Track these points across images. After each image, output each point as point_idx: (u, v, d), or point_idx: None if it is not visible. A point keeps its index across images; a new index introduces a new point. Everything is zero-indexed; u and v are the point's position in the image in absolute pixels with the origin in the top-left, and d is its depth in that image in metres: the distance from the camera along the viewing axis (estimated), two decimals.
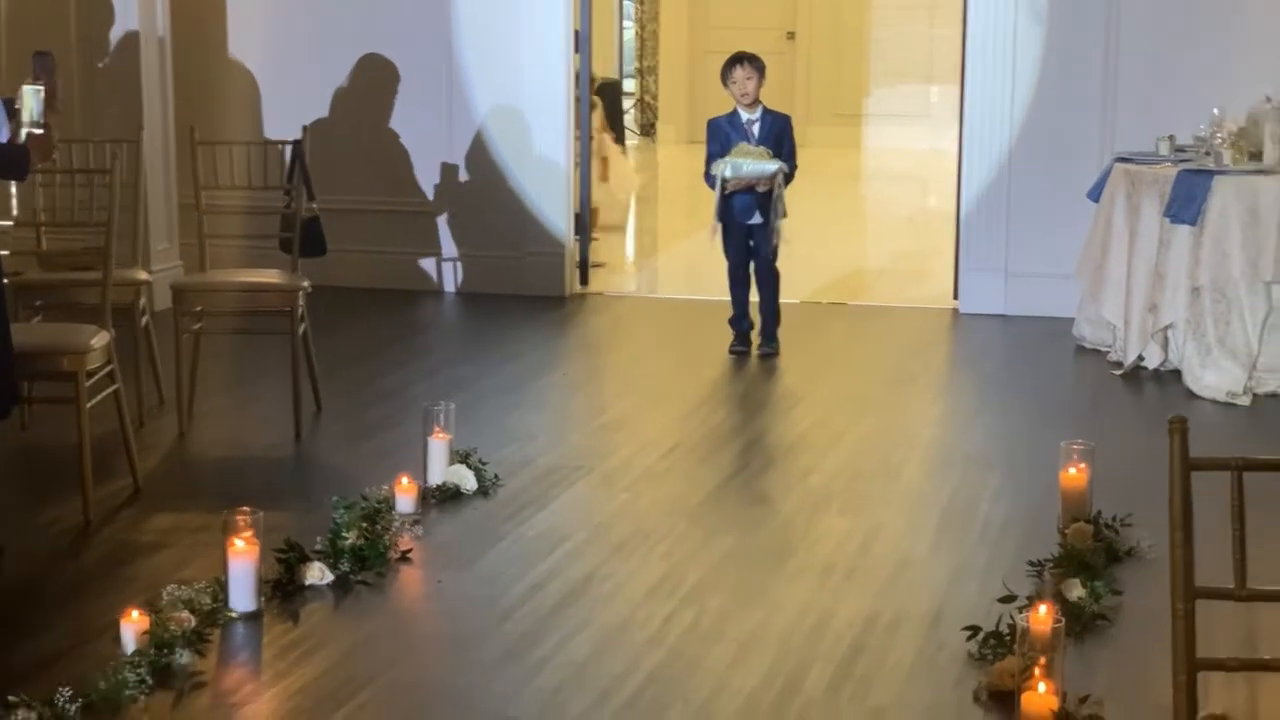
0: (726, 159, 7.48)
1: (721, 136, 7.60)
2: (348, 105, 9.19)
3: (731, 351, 7.73)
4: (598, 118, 10.86)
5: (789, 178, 7.57)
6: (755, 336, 7.78)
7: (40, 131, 5.31)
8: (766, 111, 7.64)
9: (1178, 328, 7.18)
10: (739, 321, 7.80)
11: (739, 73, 7.60)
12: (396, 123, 9.16)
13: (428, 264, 9.24)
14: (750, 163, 7.46)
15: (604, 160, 11.13)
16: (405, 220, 9.20)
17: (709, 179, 7.55)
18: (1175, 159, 7.48)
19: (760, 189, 7.50)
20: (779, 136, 7.60)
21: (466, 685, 4.13)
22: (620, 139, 12.54)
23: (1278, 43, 8.12)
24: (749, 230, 7.66)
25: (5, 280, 5.16)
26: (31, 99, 5.49)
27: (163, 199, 8.58)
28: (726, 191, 7.51)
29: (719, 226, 7.65)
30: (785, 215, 7.58)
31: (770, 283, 7.75)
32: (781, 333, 7.76)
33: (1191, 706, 2.48)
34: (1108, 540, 4.96)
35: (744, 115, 7.61)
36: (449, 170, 9.16)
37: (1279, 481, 2.64)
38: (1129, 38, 8.27)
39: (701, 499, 5.66)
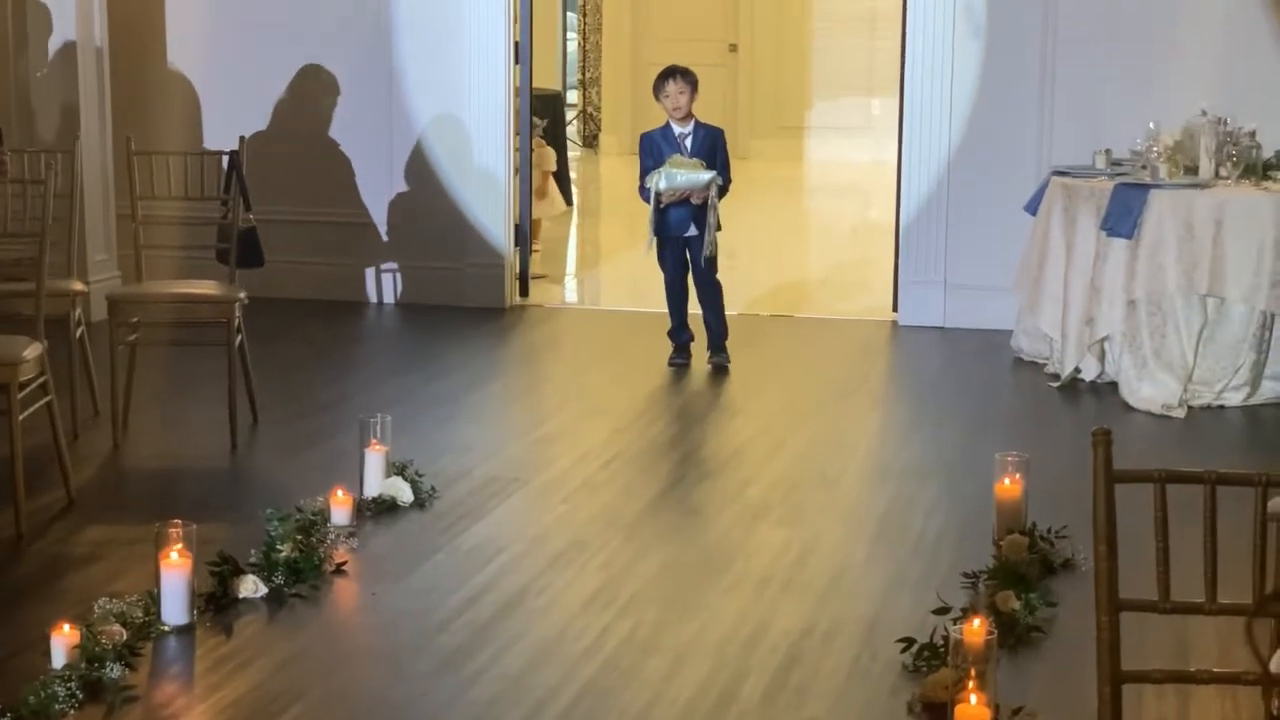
0: (660, 170, 7.51)
1: (655, 150, 7.63)
2: (287, 116, 9.15)
3: (671, 364, 7.74)
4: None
5: (723, 190, 7.61)
6: (698, 350, 7.77)
7: None
8: (699, 125, 7.67)
9: (1114, 340, 7.23)
10: (678, 333, 7.82)
11: (671, 87, 7.64)
12: (336, 133, 9.13)
13: (366, 275, 9.21)
14: (684, 173, 7.50)
15: (545, 174, 11.11)
16: (344, 231, 9.16)
17: (643, 192, 7.59)
18: (1112, 172, 7.53)
19: (695, 201, 7.54)
20: (712, 149, 7.63)
21: (401, 698, 4.11)
22: (560, 153, 12.50)
23: (1213, 57, 8.20)
24: (684, 243, 7.69)
25: None
26: None
27: (100, 209, 8.52)
28: (661, 204, 7.54)
29: (655, 240, 7.68)
30: (719, 228, 7.60)
31: (713, 295, 7.76)
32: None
33: (1116, 719, 2.49)
34: (1042, 552, 4.98)
35: (677, 129, 7.64)
36: (389, 181, 9.12)
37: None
38: (1066, 51, 8.33)
39: (639, 510, 5.65)
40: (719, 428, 6.95)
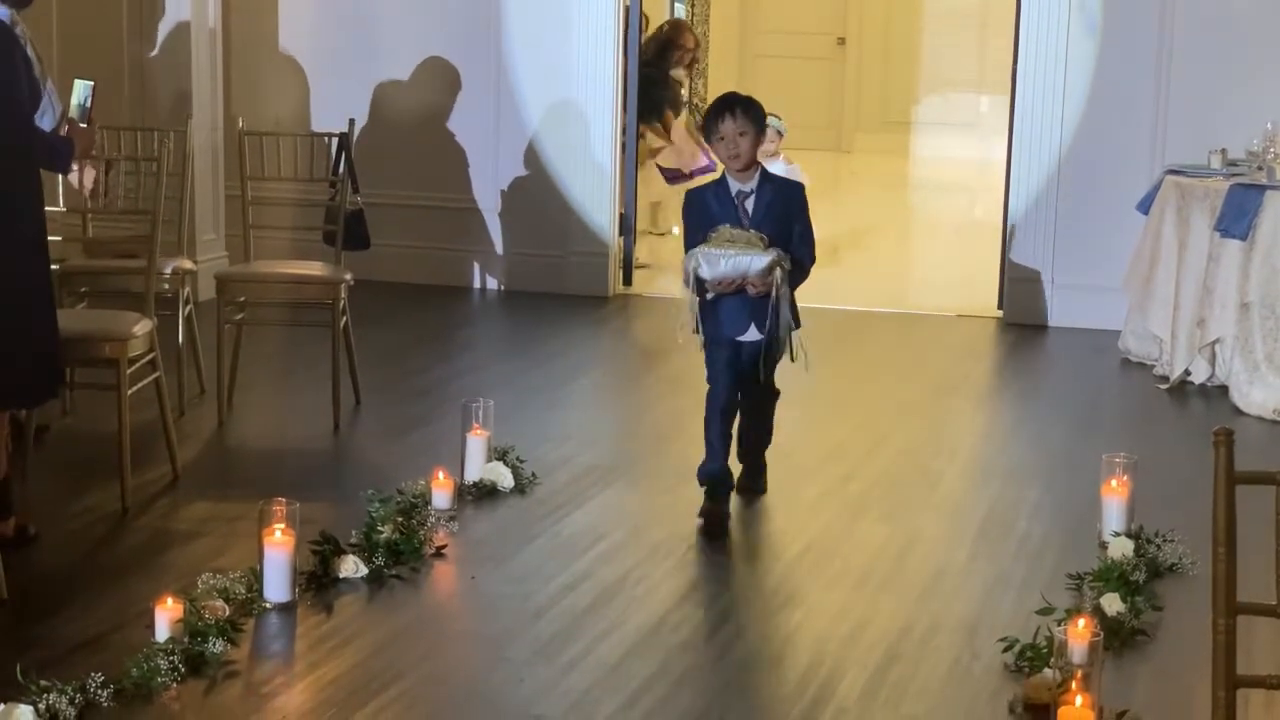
0: (699, 249, 5.18)
1: (704, 216, 5.29)
2: (394, 100, 9.20)
3: (700, 518, 5.29)
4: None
5: (803, 272, 5.34)
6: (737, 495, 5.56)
7: (84, 125, 5.33)
8: (767, 179, 5.35)
9: (1225, 343, 7.12)
10: (714, 473, 5.36)
11: (727, 126, 5.25)
12: (443, 119, 9.16)
13: (471, 261, 9.24)
14: (732, 254, 5.13)
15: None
16: (449, 216, 9.20)
17: (686, 276, 5.26)
18: (1227, 173, 7.42)
19: (753, 292, 5.21)
20: (784, 215, 5.30)
21: (497, 683, 4.11)
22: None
23: None
24: (738, 348, 5.35)
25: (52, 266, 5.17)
26: (81, 91, 5.53)
27: (210, 189, 8.60)
28: (707, 295, 5.23)
29: (699, 340, 5.37)
30: (799, 325, 5.36)
31: (764, 405, 5.61)
32: (825, 340, 7.60)
33: None
34: (1149, 555, 4.91)
35: (734, 185, 5.30)
36: (494, 168, 9.14)
37: None
38: (1182, 50, 8.21)
39: (738, 503, 5.61)
40: (820, 422, 6.89)
